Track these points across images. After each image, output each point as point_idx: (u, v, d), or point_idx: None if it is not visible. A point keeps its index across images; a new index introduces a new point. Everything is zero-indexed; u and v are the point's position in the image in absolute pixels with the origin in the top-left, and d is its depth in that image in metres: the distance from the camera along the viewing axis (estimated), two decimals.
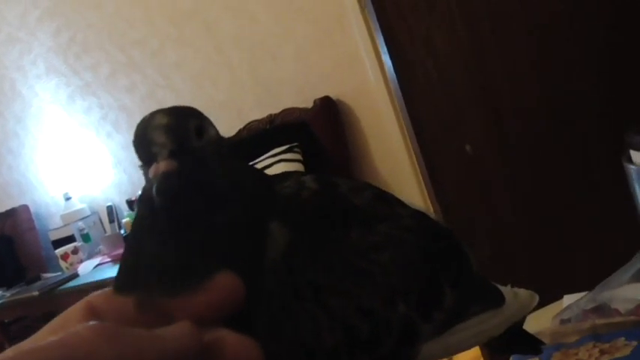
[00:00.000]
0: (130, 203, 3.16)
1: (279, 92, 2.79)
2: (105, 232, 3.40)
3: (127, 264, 0.45)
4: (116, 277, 0.43)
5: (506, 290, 0.50)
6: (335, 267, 0.43)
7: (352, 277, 0.43)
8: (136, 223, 0.46)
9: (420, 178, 2.47)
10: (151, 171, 0.43)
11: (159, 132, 0.44)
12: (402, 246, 0.46)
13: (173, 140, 0.44)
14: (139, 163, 0.44)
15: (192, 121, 0.46)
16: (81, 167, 3.47)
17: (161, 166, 0.43)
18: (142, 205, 0.48)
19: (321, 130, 2.62)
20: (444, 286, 0.46)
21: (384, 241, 0.46)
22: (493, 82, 1.82)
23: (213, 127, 0.47)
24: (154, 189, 0.42)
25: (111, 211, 3.32)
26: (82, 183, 3.51)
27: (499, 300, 0.49)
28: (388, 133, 2.60)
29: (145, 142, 0.45)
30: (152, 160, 0.44)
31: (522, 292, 0.51)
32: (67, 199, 3.45)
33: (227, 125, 2.83)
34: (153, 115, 0.46)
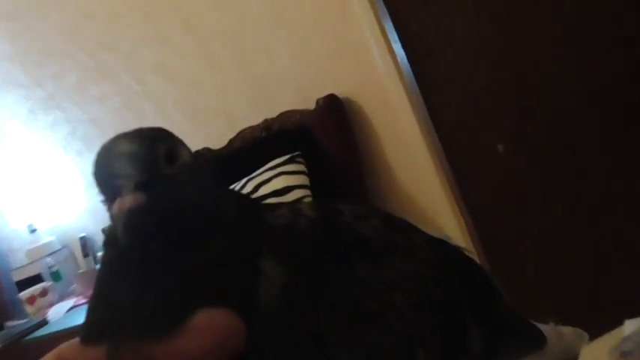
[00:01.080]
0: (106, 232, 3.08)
1: (275, 93, 2.77)
2: (78, 268, 3.36)
3: (96, 312, 0.46)
4: (84, 326, 0.44)
5: (548, 329, 0.50)
6: (340, 311, 0.43)
7: (361, 322, 0.43)
8: (103, 266, 0.47)
9: (445, 183, 2.52)
10: (115, 207, 0.45)
11: (122, 161, 0.46)
12: (420, 282, 0.46)
13: (139, 170, 0.46)
14: (101, 197, 0.46)
15: (161, 145, 0.47)
16: (47, 193, 3.45)
17: (126, 201, 0.45)
18: (107, 246, 0.49)
19: (326, 134, 2.60)
20: (470, 327, 0.45)
21: (398, 278, 0.45)
22: (524, 72, 1.84)
23: (187, 148, 0.48)
24: (119, 228, 0.43)
25: (85, 243, 3.30)
26: (50, 212, 3.48)
27: (540, 341, 0.49)
28: (405, 133, 2.59)
29: (106, 175, 0.47)
30: (116, 195, 0.46)
31: (568, 331, 0.51)
32: (32, 231, 3.43)
33: (216, 135, 2.83)
34: (114, 141, 0.47)
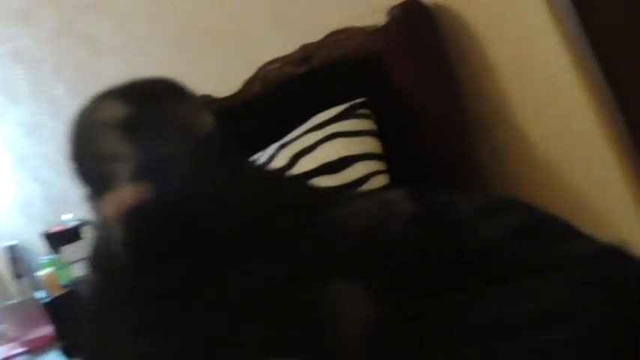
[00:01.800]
0: (50, 238, 2.83)
1: (319, 3, 2.50)
2: (8, 297, 3.06)
3: None
4: None
5: None
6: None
7: None
8: (93, 299, 0.53)
9: (615, 140, 2.18)
10: (108, 205, 0.47)
11: (114, 135, 0.47)
12: (576, 315, 0.41)
13: (140, 146, 0.50)
14: (82, 187, 0.49)
15: (167, 104, 0.50)
16: None
17: (125, 195, 0.48)
18: (96, 263, 0.53)
19: (406, 66, 2.25)
20: None
21: (543, 308, 0.48)
22: None
23: (199, 104, 0.46)
24: (118, 238, 0.46)
25: (15, 256, 3.02)
26: None
27: None
28: (543, 63, 2.21)
29: (92, 155, 0.48)
30: (107, 185, 0.47)
31: None
32: None
33: (224, 74, 2.60)
34: (100, 103, 0.47)
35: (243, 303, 0.44)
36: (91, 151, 0.48)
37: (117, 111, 0.48)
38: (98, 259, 0.52)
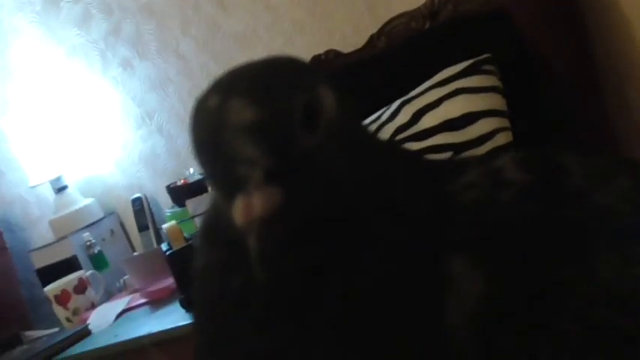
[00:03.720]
0: (173, 192, 2.86)
1: None
2: (132, 248, 3.17)
3: None
4: None
5: None
6: (574, 340, 0.41)
7: (609, 353, 0.41)
8: (211, 300, 0.48)
9: None
10: (238, 211, 0.44)
11: (243, 139, 0.44)
12: None
13: (269, 150, 0.44)
14: (205, 176, 0.34)
15: (297, 100, 0.45)
16: (80, 130, 3.22)
17: (256, 202, 0.43)
18: (218, 268, 0.49)
19: (535, 22, 2.22)
20: None
21: None
22: None
23: (329, 88, 0.46)
24: (252, 252, 0.42)
25: (140, 208, 3.04)
26: (84, 159, 3.28)
27: None
28: None
29: (218, 157, 0.46)
30: (236, 188, 0.45)
31: None
32: (60, 189, 3.15)
33: (349, 29, 2.58)
34: (223, 100, 0.45)
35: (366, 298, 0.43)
36: (218, 155, 0.45)
37: (244, 113, 0.44)
38: (212, 236, 0.51)
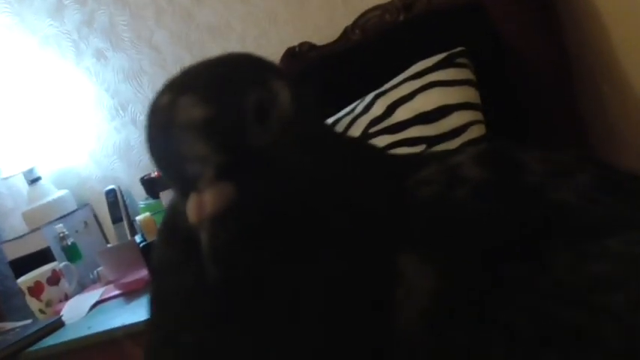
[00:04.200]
0: (147, 184, 2.84)
1: None
2: (106, 240, 3.14)
3: None
4: None
5: None
6: (524, 336, 0.41)
7: (557, 348, 0.41)
8: (166, 297, 0.48)
9: None
10: (191, 209, 0.44)
11: (192, 136, 0.44)
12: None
13: (221, 147, 0.45)
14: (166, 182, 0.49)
15: (248, 96, 0.45)
16: (54, 121, 3.20)
17: (208, 200, 0.43)
18: (174, 265, 0.48)
19: (508, 15, 2.23)
20: None
21: (622, 273, 0.42)
22: None
23: (284, 83, 0.46)
24: (204, 249, 0.42)
25: (114, 200, 3.03)
26: (58, 150, 3.24)
27: None
28: None
29: (170, 157, 0.46)
30: (189, 187, 0.45)
31: None
32: (34, 180, 3.14)
33: (323, 21, 2.57)
34: (174, 100, 0.45)
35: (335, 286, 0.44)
36: (170, 154, 0.46)
37: (194, 110, 0.44)
38: (169, 233, 0.51)
